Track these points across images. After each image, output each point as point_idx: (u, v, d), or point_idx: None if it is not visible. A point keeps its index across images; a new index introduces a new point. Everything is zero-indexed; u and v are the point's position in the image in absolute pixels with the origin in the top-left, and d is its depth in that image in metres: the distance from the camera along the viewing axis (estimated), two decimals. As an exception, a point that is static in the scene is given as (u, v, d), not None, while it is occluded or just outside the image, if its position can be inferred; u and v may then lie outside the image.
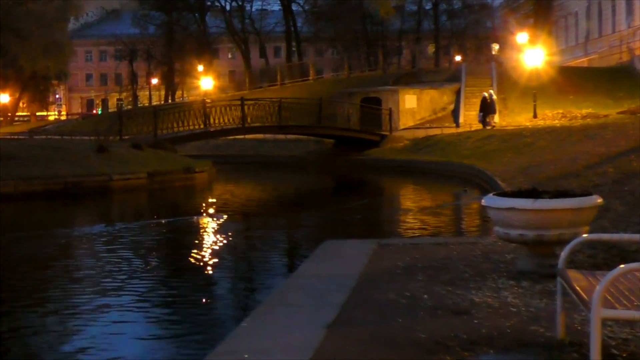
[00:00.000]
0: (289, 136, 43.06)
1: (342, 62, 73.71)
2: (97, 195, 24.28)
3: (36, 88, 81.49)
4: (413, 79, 52.02)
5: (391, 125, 41.55)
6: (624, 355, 4.84)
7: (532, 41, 48.27)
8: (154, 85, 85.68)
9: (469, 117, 40.51)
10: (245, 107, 36.71)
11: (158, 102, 76.32)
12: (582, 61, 59.82)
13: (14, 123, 78.92)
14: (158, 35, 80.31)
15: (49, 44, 57.01)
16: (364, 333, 5.50)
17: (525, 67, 42.76)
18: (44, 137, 45.86)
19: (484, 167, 25.07)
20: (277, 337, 5.51)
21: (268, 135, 43.56)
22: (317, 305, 6.37)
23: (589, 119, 34.99)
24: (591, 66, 55.51)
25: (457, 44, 77.52)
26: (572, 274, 4.87)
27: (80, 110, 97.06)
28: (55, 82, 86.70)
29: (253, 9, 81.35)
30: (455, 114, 43.28)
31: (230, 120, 36.32)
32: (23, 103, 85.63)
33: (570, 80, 42.78)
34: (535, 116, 38.61)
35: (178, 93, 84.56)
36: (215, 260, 12.90)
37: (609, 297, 4.23)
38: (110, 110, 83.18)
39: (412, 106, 43.63)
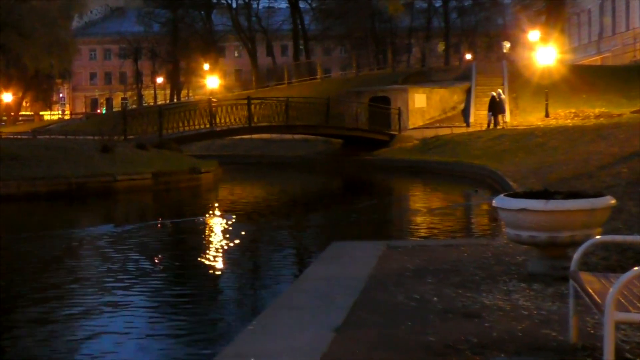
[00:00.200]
0: (296, 136, 43.07)
1: (350, 60, 73.80)
2: (101, 196, 24.31)
3: (39, 87, 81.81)
4: (422, 77, 51.98)
5: (400, 124, 41.52)
6: (638, 359, 4.83)
7: (544, 39, 48.14)
8: (159, 84, 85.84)
9: (480, 117, 40.46)
10: (252, 107, 36.72)
11: (163, 101, 76.54)
12: (595, 59, 59.69)
13: (17, 123, 79.17)
14: (163, 33, 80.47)
15: (52, 42, 57.11)
16: (372, 336, 5.50)
17: (537, 65, 42.67)
18: (47, 137, 45.94)
19: (495, 168, 25.04)
20: (283, 340, 5.51)
21: (275, 135, 43.57)
22: (325, 307, 6.38)
23: (602, 119, 34.92)
24: (604, 64, 55.40)
25: (468, 42, 77.49)
26: (585, 277, 4.86)
27: (84, 110, 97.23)
28: (58, 81, 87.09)
29: (260, 7, 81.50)
30: (465, 113, 43.23)
31: (237, 119, 36.34)
32: (26, 102, 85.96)
33: (583, 79, 42.70)
34: (547, 115, 38.55)
35: (183, 92, 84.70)
36: (222, 261, 12.92)
37: (623, 300, 4.22)
38: (114, 110, 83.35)
39: (421, 105, 43.59)
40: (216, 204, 23.27)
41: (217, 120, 36.01)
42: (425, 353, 5.08)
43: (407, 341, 5.36)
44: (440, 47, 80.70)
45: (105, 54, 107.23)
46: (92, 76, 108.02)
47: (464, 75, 49.33)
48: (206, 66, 75.25)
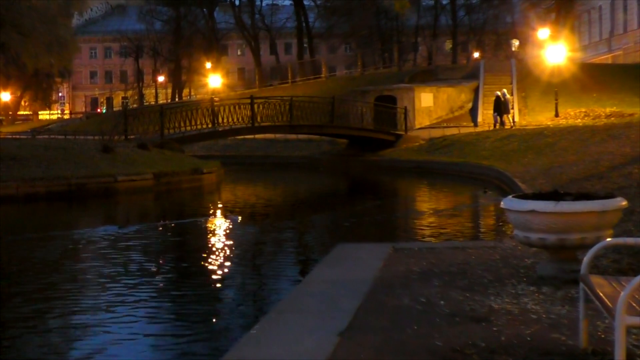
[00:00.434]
0: (301, 136, 43.12)
1: (355, 59, 73.65)
2: (101, 197, 24.34)
3: (39, 86, 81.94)
4: (429, 76, 52.00)
5: (406, 124, 41.52)
6: (650, 364, 4.83)
7: (554, 37, 48.16)
8: (161, 83, 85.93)
9: (488, 116, 40.47)
10: (255, 106, 36.74)
11: (165, 101, 76.59)
12: (606, 58, 59.64)
13: (16, 122, 79.31)
14: (165, 31, 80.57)
15: (52, 40, 57.12)
16: (377, 340, 5.50)
17: (547, 64, 42.66)
18: (46, 137, 46.04)
19: (504, 168, 25.03)
20: (287, 344, 5.51)
21: (278, 135, 43.63)
22: (330, 311, 6.37)
23: (613, 118, 34.90)
24: (616, 63, 55.35)
25: (476, 40, 77.41)
26: (596, 280, 4.85)
27: (84, 109, 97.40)
28: (58, 80, 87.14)
29: (263, 4, 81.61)
30: (473, 112, 43.24)
31: (240, 119, 36.36)
32: (25, 102, 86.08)
33: (594, 77, 42.67)
34: (557, 115, 38.54)
35: (185, 91, 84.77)
36: (225, 263, 12.93)
37: (634, 304, 4.21)
38: (115, 109, 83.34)
39: (428, 105, 43.59)
40: (219, 205, 23.29)
41: (220, 119, 36.04)
42: (432, 358, 5.07)
43: (413, 345, 5.35)
44: (448, 45, 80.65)
45: (106, 52, 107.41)
46: (93, 75, 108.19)
47: (471, 74, 49.35)
48: (208, 65, 75.35)
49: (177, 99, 76.65)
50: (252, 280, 12.10)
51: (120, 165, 26.67)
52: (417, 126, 42.28)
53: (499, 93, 38.47)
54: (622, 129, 25.33)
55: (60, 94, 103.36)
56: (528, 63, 52.89)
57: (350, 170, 37.10)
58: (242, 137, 42.26)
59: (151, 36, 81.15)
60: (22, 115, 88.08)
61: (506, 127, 37.29)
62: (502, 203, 7.47)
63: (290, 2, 76.45)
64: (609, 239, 6.05)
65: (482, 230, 16.97)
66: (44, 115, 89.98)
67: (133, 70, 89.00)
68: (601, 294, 4.46)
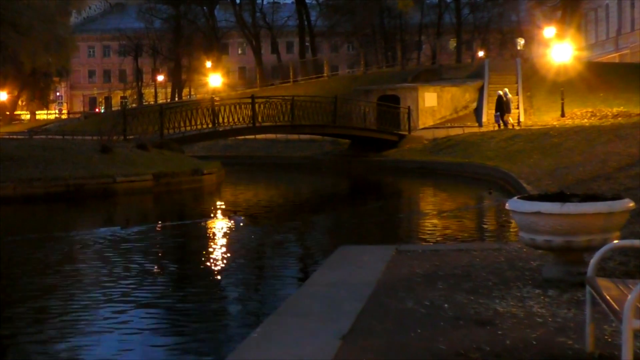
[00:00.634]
0: (302, 136, 43.14)
1: (358, 58, 73.81)
2: (100, 198, 24.35)
3: (36, 85, 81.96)
4: (433, 75, 52.00)
5: (410, 124, 41.53)
6: (658, 368, 4.82)
7: (560, 35, 48.18)
8: (160, 83, 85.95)
9: (492, 116, 40.44)
10: (256, 106, 36.74)
11: (164, 100, 76.59)
12: (613, 56, 59.58)
13: (13, 122, 79.36)
14: (164, 29, 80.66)
15: (50, 39, 57.32)
16: (380, 344, 5.50)
17: (553, 63, 42.68)
18: (44, 137, 46.09)
19: (509, 169, 25.03)
20: (288, 348, 5.51)
21: (280, 136, 43.66)
22: (332, 314, 6.37)
23: (620, 118, 34.89)
24: (623, 62, 55.29)
25: (480, 39, 77.43)
26: (602, 283, 4.84)
27: (82, 109, 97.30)
28: (56, 79, 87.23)
29: (264, 2, 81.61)
30: (477, 112, 43.24)
31: (240, 119, 36.37)
32: (22, 101, 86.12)
33: (601, 77, 42.65)
34: (563, 115, 38.54)
35: (185, 91, 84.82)
36: (226, 265, 12.93)
37: (642, 307, 4.20)
38: (113, 109, 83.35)
39: (432, 104, 43.59)
40: (219, 207, 23.29)
41: (220, 119, 36.06)
42: (436, 362, 5.07)
43: (416, 349, 5.35)
44: (452, 44, 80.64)
45: (105, 51, 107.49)
46: (91, 74, 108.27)
47: (476, 73, 49.36)
48: (209, 64, 75.40)
49: (176, 99, 76.69)
50: (252, 283, 12.09)
51: (119, 166, 26.67)
52: (421, 126, 42.28)
53: (500, 92, 38.49)
54: (629, 129, 25.31)
55: (58, 94, 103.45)
56: (533, 62, 52.91)
57: (353, 171, 37.10)
58: (242, 137, 42.29)
59: (150, 35, 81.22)
60: (19, 115, 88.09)
61: (508, 126, 37.31)
62: (507, 204, 7.46)
63: (292, 0, 76.51)
64: (616, 241, 6.04)
65: (486, 232, 16.95)
66: (41, 115, 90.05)
67: (132, 69, 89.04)
68: (608, 297, 4.46)
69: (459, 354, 5.18)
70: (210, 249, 15.03)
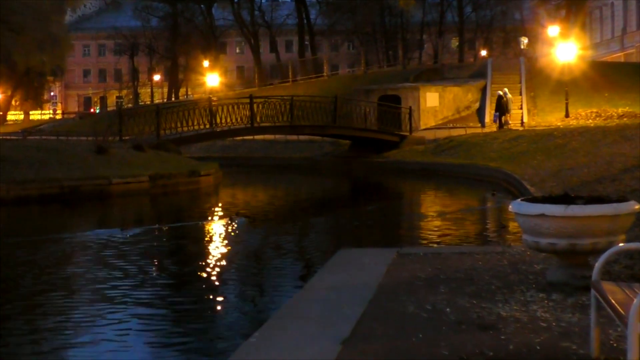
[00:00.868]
0: (302, 137, 43.13)
1: (358, 57, 73.80)
2: (95, 200, 24.35)
3: (30, 85, 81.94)
4: (435, 75, 52.02)
5: (411, 125, 41.53)
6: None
7: (564, 34, 48.17)
8: (157, 82, 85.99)
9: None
10: (255, 106, 36.75)
11: (161, 100, 76.65)
12: (618, 56, 59.65)
13: (6, 123, 79.32)
14: (161, 28, 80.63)
15: (44, 37, 57.23)
16: (382, 348, 5.50)
17: (557, 62, 42.69)
18: (38, 137, 46.10)
19: (512, 171, 25.04)
20: (287, 352, 5.52)
21: (279, 136, 43.65)
22: (332, 318, 6.38)
23: (625, 119, 34.89)
24: (628, 61, 55.33)
25: (483, 38, 77.41)
26: (608, 286, 4.85)
27: (77, 109, 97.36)
28: (50, 78, 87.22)
29: (263, 0, 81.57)
30: (480, 113, 43.26)
31: (238, 119, 36.37)
32: (16, 101, 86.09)
33: (606, 76, 42.67)
34: (567, 115, 38.54)
35: (182, 90, 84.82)
36: (224, 268, 12.95)
37: (648, 311, 4.21)
38: (109, 109, 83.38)
39: (434, 104, 43.61)
40: (217, 209, 23.29)
41: (218, 120, 36.05)
42: (438, 367, 5.08)
43: (418, 354, 5.36)
44: (454, 43, 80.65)
45: (100, 50, 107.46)
46: (86, 73, 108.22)
47: (479, 73, 49.37)
48: (206, 63, 75.36)
49: (173, 99, 76.71)
50: (251, 286, 12.10)
51: (115, 167, 26.68)
52: (423, 127, 42.28)
53: (500, 92, 38.51)
54: (635, 130, 25.32)
55: (52, 93, 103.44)
56: (537, 61, 52.94)
57: (353, 172, 37.11)
58: (241, 138, 42.27)
59: (147, 33, 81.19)
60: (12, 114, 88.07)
61: (506, 126, 37.32)
62: (510, 207, 7.47)
63: (291, -3, 76.63)
64: (621, 244, 6.06)
65: (489, 234, 16.96)
66: (35, 115, 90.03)
67: (128, 68, 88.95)
68: (613, 301, 4.47)
69: (461, 359, 5.19)
70: (209, 252, 15.05)
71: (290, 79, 64.26)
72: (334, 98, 40.32)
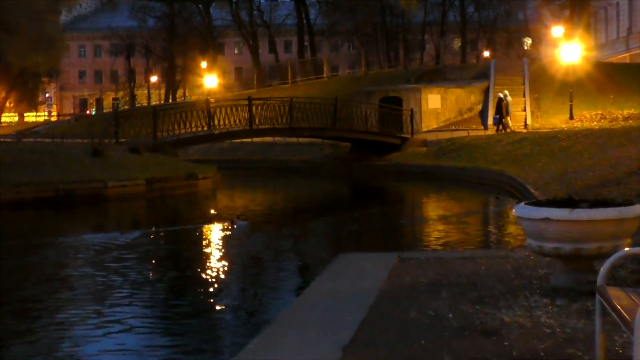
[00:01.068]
0: (301, 139, 43.13)
1: (359, 58, 73.75)
2: (91, 204, 24.35)
3: (25, 86, 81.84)
4: (437, 76, 52.02)
5: (413, 127, 41.52)
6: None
7: (568, 35, 48.18)
8: (153, 84, 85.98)
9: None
10: (253, 108, 36.75)
11: (157, 102, 76.60)
12: (623, 57, 59.66)
13: (0, 125, 79.33)
14: (158, 28, 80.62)
15: (39, 38, 57.21)
16: (383, 355, 5.50)
17: (561, 63, 42.66)
18: (33, 140, 46.08)
19: (516, 174, 25.04)
20: (287, 359, 5.51)
21: (278, 139, 43.65)
22: (332, 324, 6.37)
23: (631, 121, 34.89)
24: (634, 62, 55.33)
25: (486, 38, 77.50)
26: (613, 292, 4.84)
27: (72, 111, 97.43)
28: (45, 80, 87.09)
29: (262, 0, 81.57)
30: (483, 115, 43.24)
31: (237, 121, 36.37)
32: (10, 103, 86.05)
33: (611, 78, 42.67)
34: (571, 117, 38.54)
35: (179, 92, 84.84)
36: (222, 274, 12.95)
37: (654, 317, 4.20)
38: (105, 111, 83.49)
39: (435, 106, 43.61)
40: (215, 212, 23.29)
41: (216, 122, 36.04)
42: (440, 374, 5.07)
43: (420, 361, 5.35)
44: (456, 43, 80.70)
45: (96, 50, 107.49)
46: (81, 74, 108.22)
47: (481, 74, 49.37)
48: (204, 64, 75.34)
49: (170, 100, 76.68)
50: (249, 292, 12.10)
51: (111, 170, 26.68)
52: (424, 129, 42.28)
53: (501, 95, 38.52)
54: (640, 132, 25.35)
55: (47, 95, 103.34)
56: (541, 62, 52.95)
57: (354, 175, 37.11)
58: (239, 140, 42.25)
59: (143, 33, 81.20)
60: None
61: (508, 130, 37.29)
62: (514, 210, 7.47)
63: (291, -3, 76.62)
64: (627, 249, 6.05)
65: (493, 239, 16.97)
66: (30, 117, 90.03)
67: (124, 69, 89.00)
68: (619, 307, 4.46)
69: (464, 366, 5.19)
70: (207, 256, 15.07)
71: (290, 80, 64.26)
72: (334, 100, 40.33)
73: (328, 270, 9.10)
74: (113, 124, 34.90)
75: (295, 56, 77.58)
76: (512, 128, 37.82)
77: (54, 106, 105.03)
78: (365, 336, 5.98)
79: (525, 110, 41.53)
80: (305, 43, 75.66)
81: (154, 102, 76.20)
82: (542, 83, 44.41)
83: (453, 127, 42.07)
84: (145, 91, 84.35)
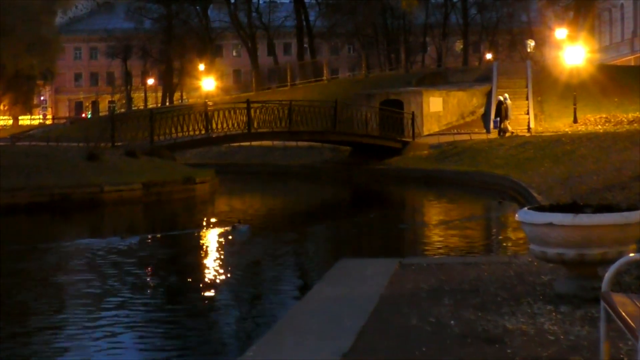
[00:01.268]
0: (300, 143, 43.11)
1: (359, 60, 73.74)
2: (87, 209, 24.34)
3: (19, 89, 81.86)
4: (439, 79, 52.05)
5: (414, 130, 41.51)
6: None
7: (573, 37, 48.24)
8: (150, 86, 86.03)
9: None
10: (252, 111, 36.75)
11: (154, 105, 76.65)
12: (628, 59, 59.70)
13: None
14: (155, 30, 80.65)
15: (34, 40, 57.34)
16: (383, 363, 5.50)
17: (565, 66, 42.69)
18: (27, 143, 46.12)
19: (519, 178, 25.04)
20: (286, 367, 5.51)
21: (277, 142, 43.64)
22: (332, 331, 6.37)
23: (636, 124, 34.93)
24: (639, 65, 55.36)
25: (488, 40, 77.50)
26: (618, 298, 4.84)
27: (67, 114, 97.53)
28: (40, 82, 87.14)
29: (261, 1, 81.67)
30: (485, 118, 43.26)
31: (235, 125, 36.37)
32: (4, 106, 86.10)
33: (615, 80, 42.68)
34: (575, 121, 38.55)
35: (177, 95, 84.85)
36: (220, 279, 12.96)
37: (659, 324, 4.21)
38: (101, 114, 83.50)
39: (437, 109, 43.61)
40: (214, 217, 23.28)
41: (214, 125, 36.04)
42: (442, 382, 5.07)
43: (421, 368, 5.35)
44: (458, 45, 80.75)
45: (92, 52, 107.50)
46: (77, 77, 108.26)
47: (484, 77, 49.39)
48: (202, 66, 75.41)
49: (167, 103, 76.75)
50: (247, 298, 12.09)
51: (107, 175, 26.67)
52: (426, 132, 42.29)
53: (500, 97, 38.51)
54: (645, 136, 25.36)
55: (42, 98, 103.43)
56: (544, 65, 52.97)
57: (354, 180, 37.10)
58: (237, 144, 42.26)
59: (140, 35, 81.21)
60: None
61: (506, 134, 37.27)
62: (516, 215, 7.47)
63: (290, -1, 76.68)
64: (632, 254, 6.05)
65: (495, 244, 16.97)
66: (24, 120, 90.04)
67: (121, 72, 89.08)
68: (624, 314, 4.46)
69: (466, 374, 5.19)
70: (206, 262, 15.10)
71: (289, 83, 64.29)
72: (334, 103, 40.32)
73: (328, 275, 9.10)
74: (109, 127, 34.88)
75: (295, 58, 77.62)
76: (514, 132, 37.76)
77: (49, 109, 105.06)
78: (366, 343, 5.98)
79: (528, 113, 41.55)
80: (305, 45, 75.70)
81: (150, 105, 76.20)
82: (546, 86, 44.42)
83: (455, 131, 42.07)
84: (142, 94, 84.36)
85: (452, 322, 6.54)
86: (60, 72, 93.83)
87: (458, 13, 74.15)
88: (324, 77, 66.19)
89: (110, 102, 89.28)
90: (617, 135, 28.26)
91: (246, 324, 10.29)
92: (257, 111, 37.47)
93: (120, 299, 11.36)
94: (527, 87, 44.92)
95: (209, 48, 79.60)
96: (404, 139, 40.80)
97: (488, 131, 40.68)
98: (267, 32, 78.46)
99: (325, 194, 33.35)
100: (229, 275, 13.46)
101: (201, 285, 12.53)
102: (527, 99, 43.24)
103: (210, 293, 12.01)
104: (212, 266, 14.42)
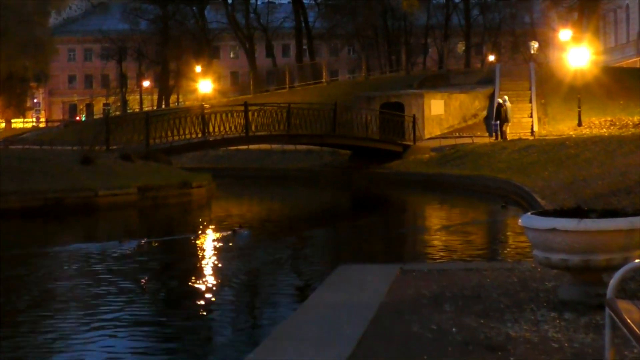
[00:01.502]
0: (299, 147, 43.13)
1: (359, 62, 73.84)
2: (81, 213, 24.34)
3: (12, 91, 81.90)
4: (440, 81, 52.07)
5: (415, 134, 41.55)
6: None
7: (577, 38, 48.27)
8: (146, 89, 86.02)
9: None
10: (249, 114, 36.77)
11: (150, 108, 76.70)
12: (633, 61, 59.70)
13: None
14: (151, 31, 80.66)
15: (27, 41, 57.35)
16: (384, 371, 5.50)
17: (569, 68, 42.73)
18: (20, 147, 46.07)
19: (522, 182, 25.05)
20: (285, 375, 5.51)
21: (275, 146, 43.63)
22: (331, 338, 6.37)
23: (641, 128, 34.91)
24: (644, 67, 55.35)
25: (491, 42, 77.51)
26: (623, 305, 4.85)
27: (61, 117, 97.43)
28: (33, 84, 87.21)
29: (259, 2, 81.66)
30: (488, 121, 43.25)
31: (232, 128, 36.38)
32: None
33: (620, 83, 42.72)
34: (580, 124, 38.55)
35: (173, 97, 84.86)
36: (217, 285, 12.96)
37: (665, 331, 4.21)
38: (95, 117, 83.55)
39: (439, 112, 43.63)
40: (209, 223, 23.29)
41: (211, 128, 36.05)
42: (444, 390, 5.08)
43: (423, 377, 5.35)
44: (460, 47, 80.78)
45: (86, 54, 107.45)
46: (71, 79, 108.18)
47: (486, 79, 49.39)
48: (198, 68, 75.42)
49: (163, 106, 76.74)
50: (245, 305, 12.10)
51: (102, 179, 26.68)
52: (427, 136, 42.31)
53: (500, 100, 38.50)
54: (651, 140, 25.38)
55: (35, 100, 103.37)
56: (548, 67, 52.99)
57: (354, 184, 37.11)
58: (235, 147, 42.25)
59: (136, 37, 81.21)
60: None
61: (506, 138, 37.19)
62: (520, 220, 7.47)
63: (288, 0, 76.64)
64: (637, 261, 6.05)
65: (498, 250, 16.97)
66: (17, 123, 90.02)
67: (115, 74, 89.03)
68: (629, 321, 4.47)
69: (468, 382, 5.19)
70: (203, 267, 15.11)
71: (287, 86, 64.30)
72: (333, 105, 40.34)
73: (327, 281, 9.11)
74: (104, 130, 34.86)
75: (293, 60, 77.59)
76: (510, 136, 37.60)
77: (43, 112, 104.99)
78: (366, 351, 5.98)
79: (531, 116, 41.58)
80: (304, 47, 75.74)
81: (146, 108, 76.28)
82: (550, 88, 44.44)
83: (457, 134, 42.11)
84: (138, 96, 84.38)
85: (453, 329, 6.54)
86: (54, 74, 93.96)
87: (460, 14, 74.17)
88: (323, 79, 66.19)
89: (105, 104, 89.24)
90: (623, 139, 28.27)
91: (245, 330, 10.30)
92: (255, 114, 37.48)
93: (119, 305, 11.37)
94: (530, 89, 44.93)
95: (206, 49, 79.61)
96: (404, 143, 40.83)
97: (490, 135, 40.69)
98: (266, 33, 78.48)
99: (324, 199, 33.35)
100: (226, 281, 13.46)
101: (200, 290, 12.53)
102: (530, 101, 43.27)
103: (208, 298, 12.01)
104: (213, 271, 14.44)
